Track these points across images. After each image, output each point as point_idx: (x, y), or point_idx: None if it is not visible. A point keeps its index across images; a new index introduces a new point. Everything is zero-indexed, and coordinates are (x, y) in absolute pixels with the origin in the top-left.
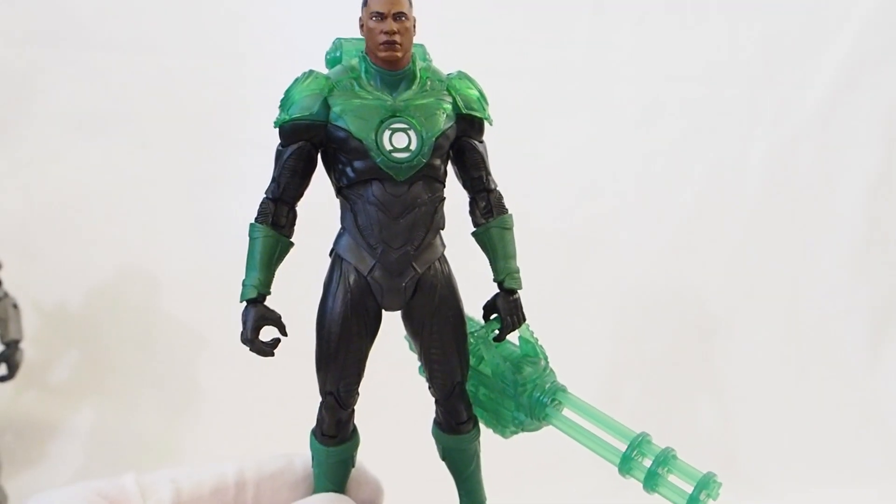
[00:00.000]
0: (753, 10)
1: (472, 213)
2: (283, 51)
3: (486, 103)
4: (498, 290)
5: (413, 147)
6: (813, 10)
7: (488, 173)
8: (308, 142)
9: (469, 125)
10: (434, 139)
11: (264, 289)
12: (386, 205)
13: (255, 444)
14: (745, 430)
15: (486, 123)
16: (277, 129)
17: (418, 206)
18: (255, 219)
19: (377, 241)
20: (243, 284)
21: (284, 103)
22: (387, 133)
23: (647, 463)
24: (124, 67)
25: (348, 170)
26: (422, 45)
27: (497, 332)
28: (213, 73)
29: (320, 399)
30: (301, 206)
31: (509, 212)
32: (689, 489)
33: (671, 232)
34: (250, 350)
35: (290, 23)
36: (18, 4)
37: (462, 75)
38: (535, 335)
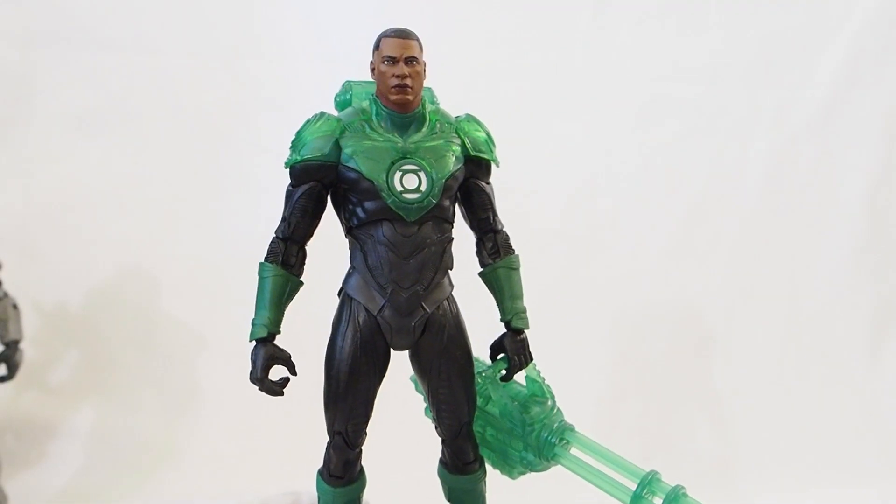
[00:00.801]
0: (753, 9)
1: (478, 253)
2: (284, 51)
3: (494, 145)
4: (505, 330)
5: (423, 188)
6: (813, 10)
7: (495, 214)
8: (319, 182)
9: (476, 167)
10: (444, 180)
11: (274, 328)
12: (396, 245)
13: (254, 444)
14: (744, 430)
15: (493, 165)
16: (288, 170)
17: (428, 246)
18: (265, 258)
19: (387, 281)
20: (253, 324)
21: (296, 144)
22: (398, 174)
23: (657, 501)
24: (124, 67)
25: (359, 210)
26: (430, 89)
27: (504, 371)
28: (214, 74)
29: (329, 438)
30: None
31: (516, 252)
32: None
33: (671, 232)
34: (259, 389)
35: (290, 23)
36: (18, 4)
37: (470, 118)
38: (541, 374)
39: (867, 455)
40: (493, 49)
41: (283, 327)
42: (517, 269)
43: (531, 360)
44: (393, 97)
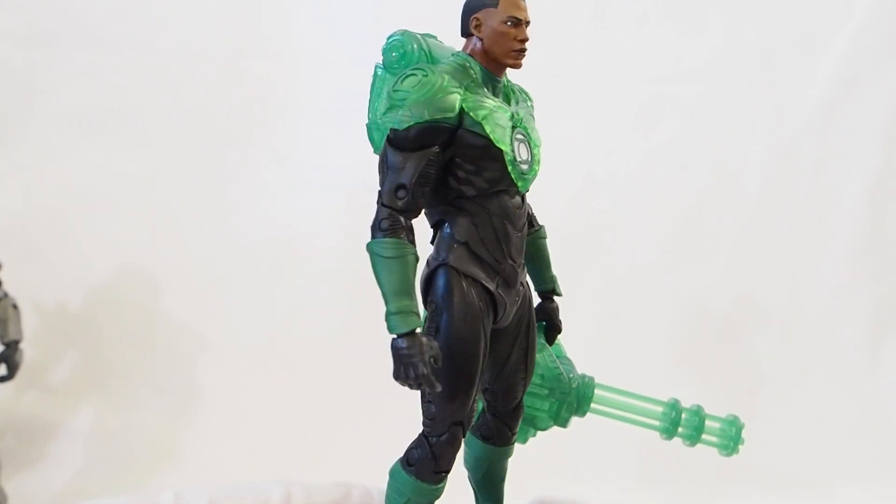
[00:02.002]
0: (753, 9)
1: None
2: (284, 51)
3: None
4: (542, 299)
5: (530, 158)
6: (813, 9)
7: None
8: (439, 146)
9: None
10: (540, 150)
11: (420, 316)
12: (512, 217)
13: (254, 444)
14: (744, 430)
15: None
16: (399, 132)
17: (525, 217)
18: (384, 234)
19: (502, 255)
20: (391, 314)
21: (409, 101)
22: (516, 143)
23: (683, 417)
24: (124, 67)
25: (476, 179)
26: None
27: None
28: (214, 73)
29: (437, 432)
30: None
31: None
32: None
33: (671, 232)
34: (417, 387)
35: (290, 23)
36: (19, 4)
37: (523, 89)
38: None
39: (867, 455)
40: None
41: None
42: (546, 238)
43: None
44: (510, 61)
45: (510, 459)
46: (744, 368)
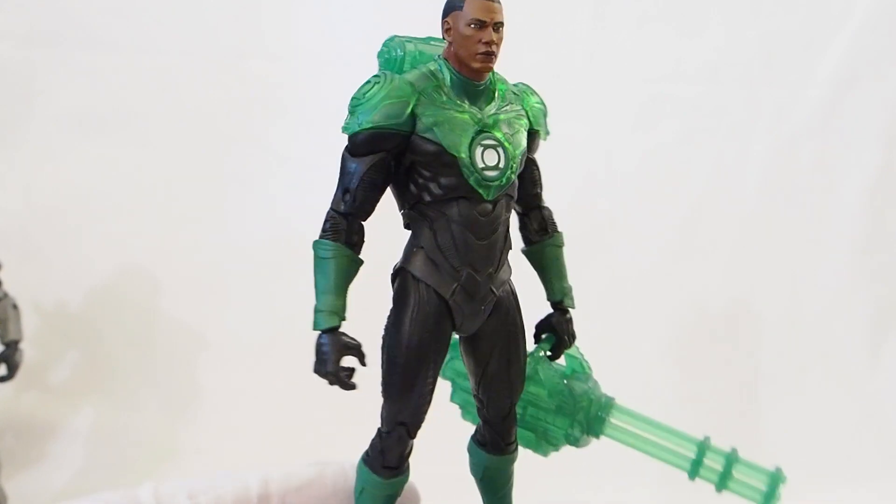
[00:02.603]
0: (753, 9)
1: (522, 229)
2: (284, 51)
3: (547, 117)
4: (553, 310)
5: (502, 165)
6: (813, 9)
7: (541, 189)
8: (388, 153)
9: (532, 140)
10: (519, 156)
11: (343, 315)
12: (473, 225)
13: (254, 445)
14: (743, 429)
15: (544, 140)
16: (350, 137)
17: (500, 226)
18: (323, 235)
19: (461, 263)
20: (316, 311)
21: (361, 108)
22: (479, 149)
23: (713, 464)
24: (124, 67)
25: (432, 186)
26: None
27: (550, 351)
28: (214, 73)
29: (384, 430)
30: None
31: (560, 230)
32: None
33: (671, 232)
34: (331, 383)
35: (290, 23)
36: (19, 4)
37: (528, 88)
38: (580, 350)
39: (867, 455)
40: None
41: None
42: (562, 246)
43: (575, 338)
44: (476, 65)
45: (519, 465)
46: (744, 368)
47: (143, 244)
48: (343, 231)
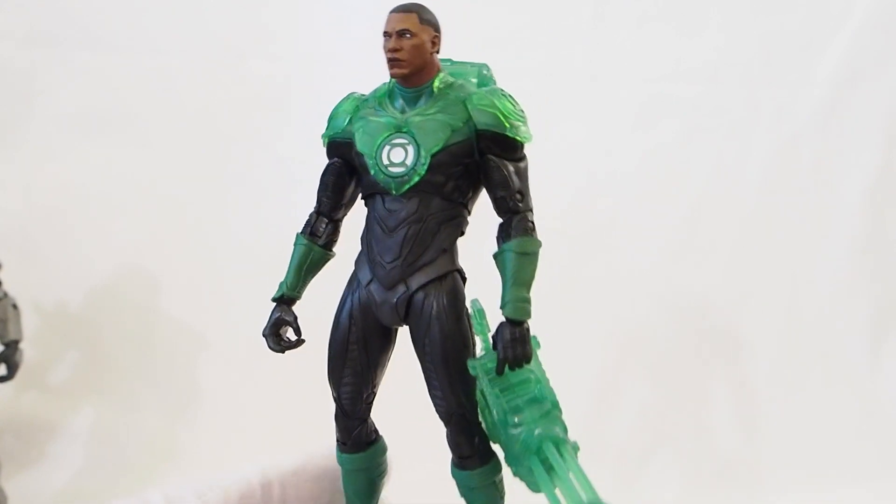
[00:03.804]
0: (753, 9)
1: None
2: (285, 51)
3: (518, 119)
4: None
5: (409, 162)
6: (813, 9)
7: (514, 194)
8: (340, 158)
9: (493, 143)
10: (432, 154)
11: (290, 291)
12: (382, 219)
13: (254, 445)
14: (743, 429)
15: (518, 141)
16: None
17: (414, 222)
18: (302, 229)
19: (373, 254)
20: (279, 285)
21: (329, 120)
22: (386, 148)
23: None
24: (124, 67)
25: (361, 184)
26: (482, 65)
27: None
28: (214, 74)
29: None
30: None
31: (535, 236)
32: None
33: (671, 232)
34: (272, 350)
35: (291, 23)
36: (19, 4)
37: (493, 91)
38: (545, 376)
39: (867, 455)
40: (493, 49)
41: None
42: (530, 253)
43: (528, 358)
44: (389, 71)
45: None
46: (743, 368)
47: (143, 244)
48: (309, 225)
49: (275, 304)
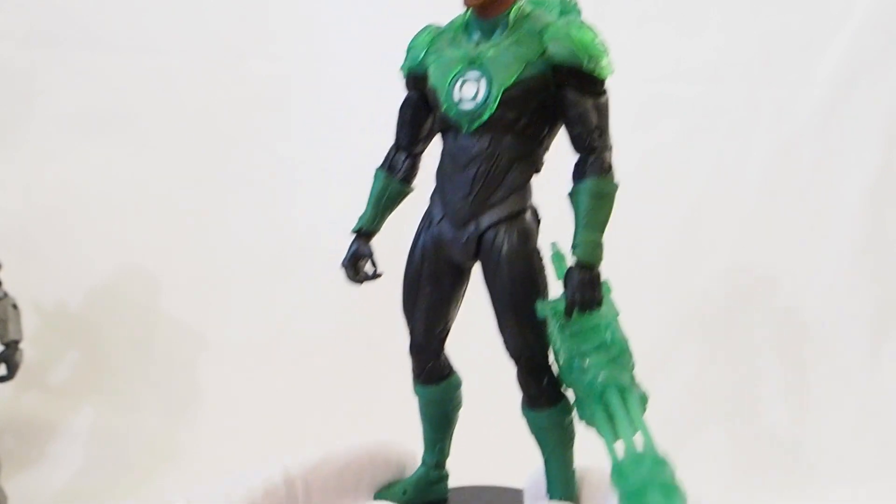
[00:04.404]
0: (753, 9)
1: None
2: (285, 51)
3: (597, 52)
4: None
5: (480, 97)
6: (813, 9)
7: (591, 131)
8: (416, 91)
9: (570, 77)
10: (503, 89)
11: (368, 225)
12: (454, 156)
13: (254, 445)
14: (743, 429)
15: (595, 75)
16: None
17: (485, 159)
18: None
19: (446, 192)
20: (357, 219)
21: (406, 53)
22: (458, 83)
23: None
24: (124, 67)
25: (436, 119)
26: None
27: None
28: (215, 73)
29: None
30: None
31: (611, 176)
32: None
33: (670, 232)
34: (350, 280)
35: (292, 23)
36: (19, 4)
37: (569, 22)
38: (617, 322)
39: (867, 455)
40: None
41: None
42: (606, 195)
43: (598, 303)
44: (464, 0)
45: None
46: (743, 368)
47: (144, 244)
48: (388, 160)
49: (354, 236)
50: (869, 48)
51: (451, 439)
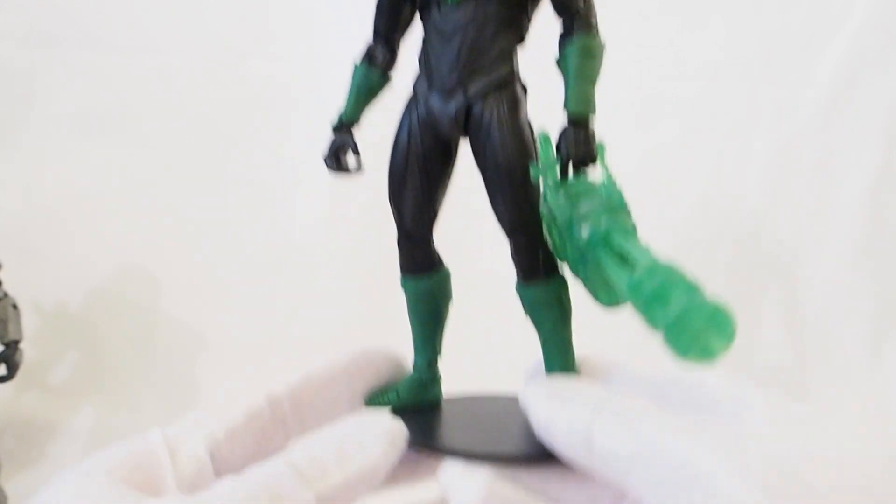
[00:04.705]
0: (754, 8)
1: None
2: (285, 51)
3: None
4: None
5: None
6: (813, 9)
7: None
8: None
9: None
10: None
11: (348, 117)
12: (439, 29)
13: None
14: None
15: None
16: None
17: (471, 27)
18: None
19: (432, 66)
20: (337, 114)
21: None
22: None
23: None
24: (124, 67)
25: None
26: None
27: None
28: (214, 73)
29: None
30: None
31: (598, 36)
32: None
33: (670, 232)
34: (332, 171)
35: (292, 23)
36: (19, 4)
37: None
38: (612, 180)
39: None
40: None
41: None
42: (595, 52)
43: (592, 158)
44: None
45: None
46: (743, 368)
47: (143, 244)
48: (367, 52)
49: (333, 131)
50: (869, 48)
51: (441, 338)
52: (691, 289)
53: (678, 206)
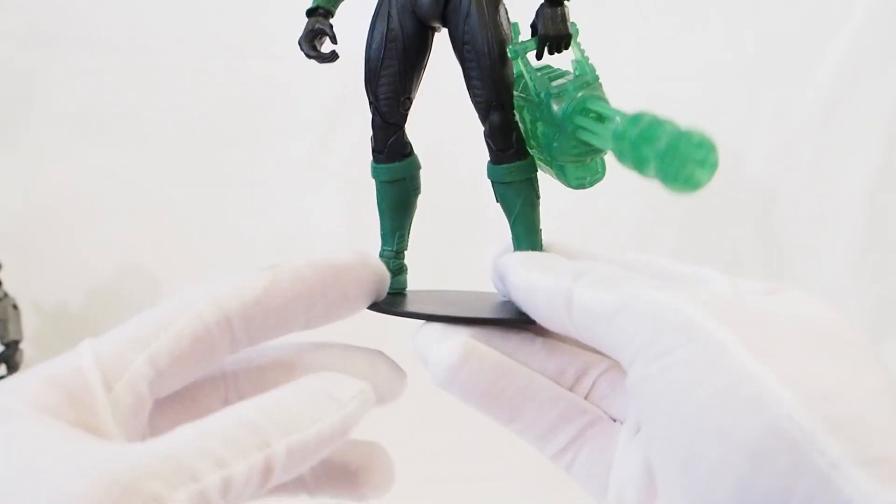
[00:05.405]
0: (754, 9)
1: None
2: (285, 51)
3: None
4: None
5: None
6: (813, 9)
7: None
8: None
9: None
10: None
11: (326, 3)
12: None
13: None
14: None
15: None
16: None
17: None
18: None
19: None
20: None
21: None
22: None
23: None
24: (124, 67)
25: None
26: None
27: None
28: (214, 73)
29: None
30: None
31: None
32: None
33: (670, 232)
34: (307, 57)
35: (292, 23)
36: (19, 4)
37: None
38: (585, 57)
39: None
40: None
41: None
42: None
43: (568, 38)
44: None
45: None
46: None
47: (143, 244)
48: None
49: (307, 15)
50: (869, 48)
51: (409, 229)
52: (675, 124)
53: (678, 206)
